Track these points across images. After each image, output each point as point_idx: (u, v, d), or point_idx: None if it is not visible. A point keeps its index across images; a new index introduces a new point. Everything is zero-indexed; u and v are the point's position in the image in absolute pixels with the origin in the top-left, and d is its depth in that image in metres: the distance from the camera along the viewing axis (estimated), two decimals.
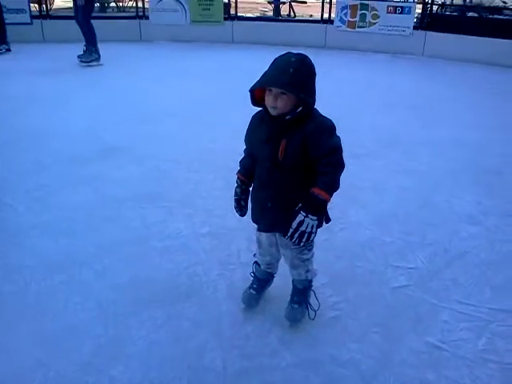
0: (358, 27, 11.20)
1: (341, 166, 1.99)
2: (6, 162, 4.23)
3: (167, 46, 10.73)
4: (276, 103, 1.91)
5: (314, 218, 1.95)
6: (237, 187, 2.22)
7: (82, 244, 2.97)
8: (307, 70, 1.93)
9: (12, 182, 3.82)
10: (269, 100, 1.93)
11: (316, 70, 1.95)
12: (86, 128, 5.17)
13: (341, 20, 11.32)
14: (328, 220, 2.13)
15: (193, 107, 6.08)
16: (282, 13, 14.69)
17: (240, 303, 2.44)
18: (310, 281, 2.38)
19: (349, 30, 11.29)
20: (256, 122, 2.10)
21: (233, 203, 2.23)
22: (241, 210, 2.24)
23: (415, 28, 10.93)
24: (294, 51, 1.98)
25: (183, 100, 6.42)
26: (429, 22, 11.17)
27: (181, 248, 2.96)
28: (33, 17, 10.52)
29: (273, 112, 1.95)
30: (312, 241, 2.15)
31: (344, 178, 4.00)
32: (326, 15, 11.64)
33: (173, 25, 11.37)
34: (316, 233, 2.03)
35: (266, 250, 2.33)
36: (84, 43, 8.36)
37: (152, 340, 2.21)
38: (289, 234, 1.99)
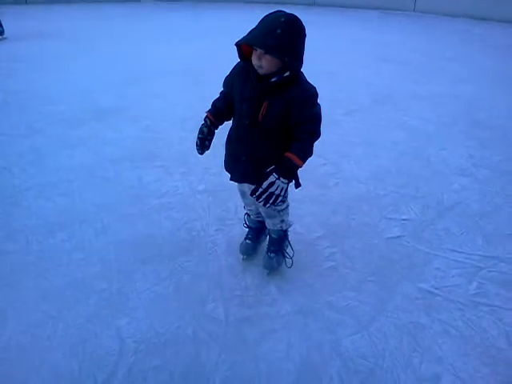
0: None
1: (317, 135, 1.99)
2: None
3: (156, 6, 10.48)
4: (261, 63, 1.88)
5: (285, 181, 1.98)
6: (204, 126, 2.19)
7: (80, 204, 2.99)
8: (296, 33, 1.85)
9: (5, 146, 3.80)
10: (254, 58, 1.90)
11: (306, 28, 1.89)
12: (78, 90, 5.11)
13: None
14: (298, 185, 2.16)
15: (184, 67, 6.02)
16: None
17: (239, 256, 2.51)
18: (285, 231, 2.44)
19: None
20: (241, 74, 2.04)
21: (195, 140, 2.19)
22: (202, 149, 2.21)
23: None
24: (284, 9, 1.93)
25: (174, 60, 6.34)
26: None
27: (178, 205, 3.00)
28: None
29: (259, 71, 1.92)
30: (285, 195, 2.22)
31: (338, 134, 4.11)
32: None
33: None
34: (283, 196, 2.03)
35: (249, 199, 2.34)
36: None
37: (156, 293, 2.28)
38: (256, 194, 2.01)
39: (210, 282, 2.35)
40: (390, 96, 5.18)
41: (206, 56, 6.46)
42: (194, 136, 3.86)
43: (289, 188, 2.23)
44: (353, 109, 4.75)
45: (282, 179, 1.97)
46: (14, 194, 3.09)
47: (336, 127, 4.28)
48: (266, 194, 1.99)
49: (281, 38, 1.80)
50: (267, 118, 1.97)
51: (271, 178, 1.97)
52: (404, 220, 2.90)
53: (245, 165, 2.13)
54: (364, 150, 3.86)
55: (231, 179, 2.26)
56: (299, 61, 1.92)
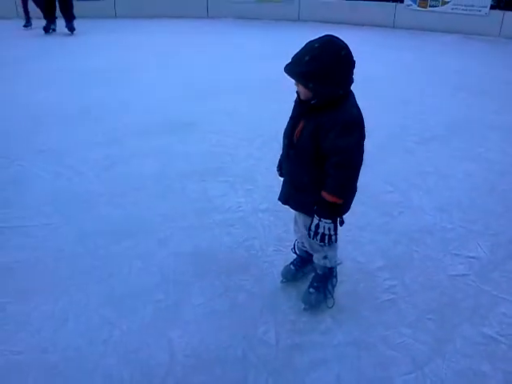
0: (430, 6, 10.77)
1: (349, 167, 1.93)
2: (79, 132, 4.45)
3: (233, 24, 10.76)
4: (298, 88, 1.95)
5: (328, 221, 1.98)
6: None
7: (147, 213, 3.10)
8: (327, 58, 1.81)
9: (83, 152, 4.02)
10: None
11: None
12: (154, 103, 5.33)
13: None
14: (342, 223, 2.11)
15: (257, 85, 6.10)
16: None
17: (294, 280, 2.49)
18: (331, 269, 2.33)
19: (420, 9, 10.86)
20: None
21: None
22: (280, 170, 2.30)
23: (492, 7, 10.37)
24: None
25: (248, 77, 6.46)
26: (508, 1, 10.53)
27: (240, 222, 3.03)
28: None
29: (300, 96, 1.98)
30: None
31: (409, 162, 4.00)
32: None
33: (239, 2, 11.37)
34: (336, 233, 2.03)
35: (297, 225, 2.33)
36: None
37: (210, 308, 2.30)
38: (310, 237, 2.05)
39: (264, 304, 2.35)
40: (466, 126, 4.98)
41: (280, 75, 6.52)
42: (261, 153, 3.94)
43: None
44: (426, 137, 4.61)
45: (323, 220, 1.98)
46: (88, 199, 3.26)
47: (408, 155, 4.18)
48: (318, 236, 2.02)
49: (307, 65, 1.83)
50: (301, 138, 1.99)
51: (315, 221, 2.01)
52: (471, 258, 2.76)
53: (287, 187, 2.19)
54: (435, 180, 3.72)
55: (278, 198, 2.29)
56: (331, 87, 1.86)
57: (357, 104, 1.97)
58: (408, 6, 10.95)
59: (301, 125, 1.98)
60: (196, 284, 2.46)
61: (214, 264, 2.63)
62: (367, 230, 2.96)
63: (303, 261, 2.50)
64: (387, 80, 6.38)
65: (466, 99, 5.93)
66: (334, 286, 2.36)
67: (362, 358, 2.07)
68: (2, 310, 2.25)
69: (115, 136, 4.34)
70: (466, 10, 10.43)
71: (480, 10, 10.30)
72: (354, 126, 1.90)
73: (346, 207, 2.09)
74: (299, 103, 2.02)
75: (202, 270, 2.57)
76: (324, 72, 1.83)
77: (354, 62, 1.88)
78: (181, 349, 2.07)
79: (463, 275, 2.61)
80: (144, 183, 3.50)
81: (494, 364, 2.04)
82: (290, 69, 1.90)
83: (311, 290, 2.35)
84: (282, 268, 2.56)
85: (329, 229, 1.99)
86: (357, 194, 3.33)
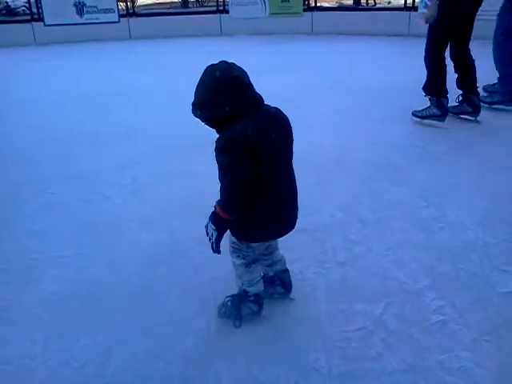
0: None
1: (226, 187, 1.93)
2: (102, 156, 4.43)
3: (247, 40, 10.80)
4: None
5: (213, 226, 2.01)
6: None
7: (179, 237, 3.04)
8: (203, 84, 1.97)
9: (109, 177, 3.99)
10: None
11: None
12: (176, 122, 5.29)
13: (426, 6, 10.81)
14: (244, 238, 2.11)
15: (274, 103, 6.06)
16: (362, 1, 14.38)
17: (340, 303, 2.41)
18: (245, 292, 2.28)
19: None
20: None
21: None
22: None
23: None
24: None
25: (264, 95, 6.41)
26: None
27: None
28: (120, 15, 10.98)
29: None
30: (237, 249, 2.17)
31: (438, 173, 3.89)
32: (409, 1, 11.16)
33: (252, 18, 11.43)
34: (215, 244, 2.04)
35: None
36: None
37: (255, 336, 2.22)
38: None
39: (309, 329, 2.26)
40: (493, 130, 4.85)
41: (296, 92, 6.48)
42: None
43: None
44: (453, 145, 4.49)
45: (210, 223, 2.02)
46: (119, 226, 3.21)
47: (436, 165, 4.07)
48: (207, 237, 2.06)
49: (194, 97, 1.97)
50: None
51: (207, 221, 2.05)
52: None
53: None
54: (470, 192, 3.58)
55: None
56: (212, 110, 1.93)
57: (259, 120, 1.97)
58: (422, 13, 10.87)
59: None
60: None
61: None
62: (408, 247, 2.87)
63: (266, 280, 2.43)
64: (407, 88, 6.28)
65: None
66: (253, 313, 2.30)
67: None
68: (43, 345, 2.19)
69: (140, 159, 4.31)
70: (485, 15, 10.29)
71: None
72: (227, 146, 1.86)
73: (230, 224, 2.06)
74: None
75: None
76: (202, 98, 1.94)
77: (238, 79, 1.96)
78: (229, 382, 1.99)
79: None
80: (173, 206, 3.44)
81: None
82: None
83: (228, 302, 2.31)
84: (324, 291, 2.49)
85: (212, 234, 2.02)
86: (393, 211, 3.28)
